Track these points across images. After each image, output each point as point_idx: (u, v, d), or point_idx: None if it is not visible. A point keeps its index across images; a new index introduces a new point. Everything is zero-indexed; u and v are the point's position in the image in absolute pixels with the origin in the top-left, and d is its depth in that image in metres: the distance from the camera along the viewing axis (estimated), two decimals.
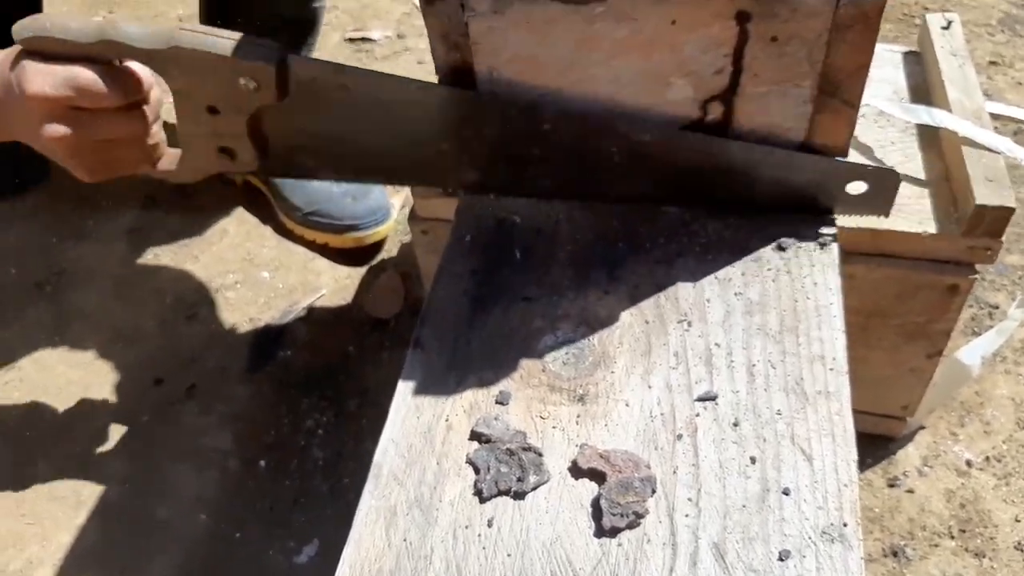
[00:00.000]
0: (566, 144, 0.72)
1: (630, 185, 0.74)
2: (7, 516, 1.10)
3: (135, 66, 0.71)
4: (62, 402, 1.21)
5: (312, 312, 1.30)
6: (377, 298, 1.30)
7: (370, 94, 0.71)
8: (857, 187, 0.70)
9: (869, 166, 0.72)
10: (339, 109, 0.73)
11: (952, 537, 0.99)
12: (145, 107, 0.73)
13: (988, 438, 1.06)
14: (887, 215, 0.73)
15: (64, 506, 1.10)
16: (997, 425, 1.07)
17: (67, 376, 1.24)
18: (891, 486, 1.03)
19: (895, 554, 0.98)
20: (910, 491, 1.03)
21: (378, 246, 1.37)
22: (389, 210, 1.35)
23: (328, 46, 1.74)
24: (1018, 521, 0.99)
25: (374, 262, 1.34)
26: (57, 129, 0.70)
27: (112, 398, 1.22)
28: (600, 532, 0.53)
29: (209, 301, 1.33)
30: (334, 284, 1.34)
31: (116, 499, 1.11)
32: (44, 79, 0.68)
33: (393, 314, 1.28)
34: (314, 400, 1.19)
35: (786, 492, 0.53)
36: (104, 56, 0.69)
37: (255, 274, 1.36)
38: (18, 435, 1.18)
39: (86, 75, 0.68)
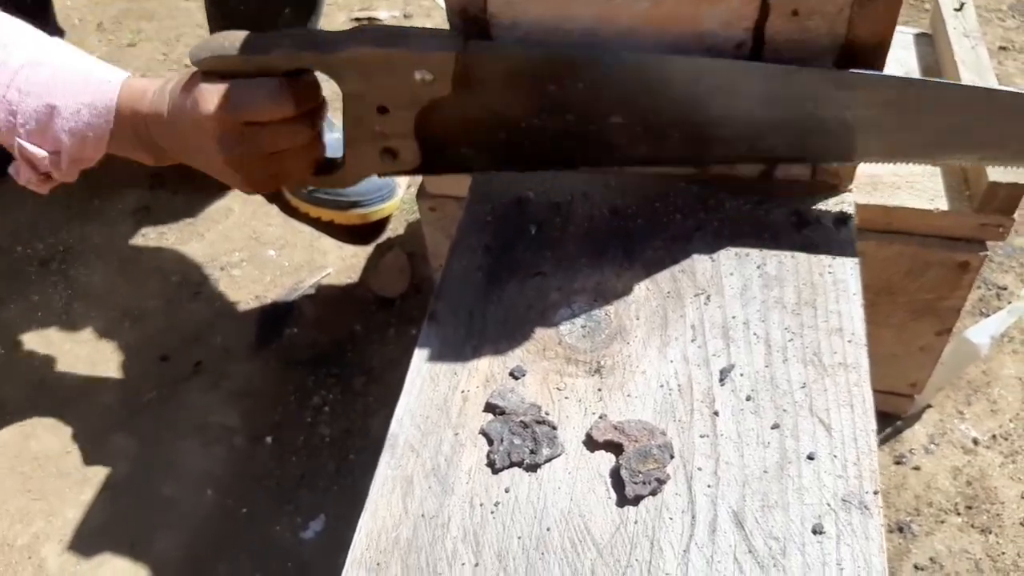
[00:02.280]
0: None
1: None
2: (14, 492, 1.10)
3: (309, 76, 0.70)
4: (68, 379, 1.21)
5: (318, 290, 1.30)
6: (383, 277, 1.30)
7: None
8: None
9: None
10: (501, 91, 0.71)
11: (958, 514, 0.99)
12: (314, 115, 0.73)
13: (995, 416, 1.07)
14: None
15: (71, 482, 1.10)
16: (1004, 404, 1.08)
17: (73, 353, 1.24)
18: (897, 463, 1.04)
19: (901, 530, 0.98)
20: (916, 468, 1.03)
21: (383, 224, 1.37)
22: (395, 188, 1.35)
23: (334, 26, 1.73)
24: (1023, 498, 0.99)
25: (380, 240, 1.34)
26: (232, 148, 0.70)
27: (118, 375, 1.21)
28: (623, 501, 0.54)
29: (215, 279, 1.33)
30: (340, 263, 1.34)
31: (123, 475, 1.11)
32: (217, 97, 0.68)
33: (399, 293, 1.28)
34: (320, 377, 1.19)
35: (811, 457, 0.54)
36: (279, 68, 0.69)
37: (261, 252, 1.36)
38: (25, 412, 1.18)
39: (260, 90, 0.68)
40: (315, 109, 0.72)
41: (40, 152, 0.76)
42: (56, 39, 0.79)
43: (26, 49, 0.75)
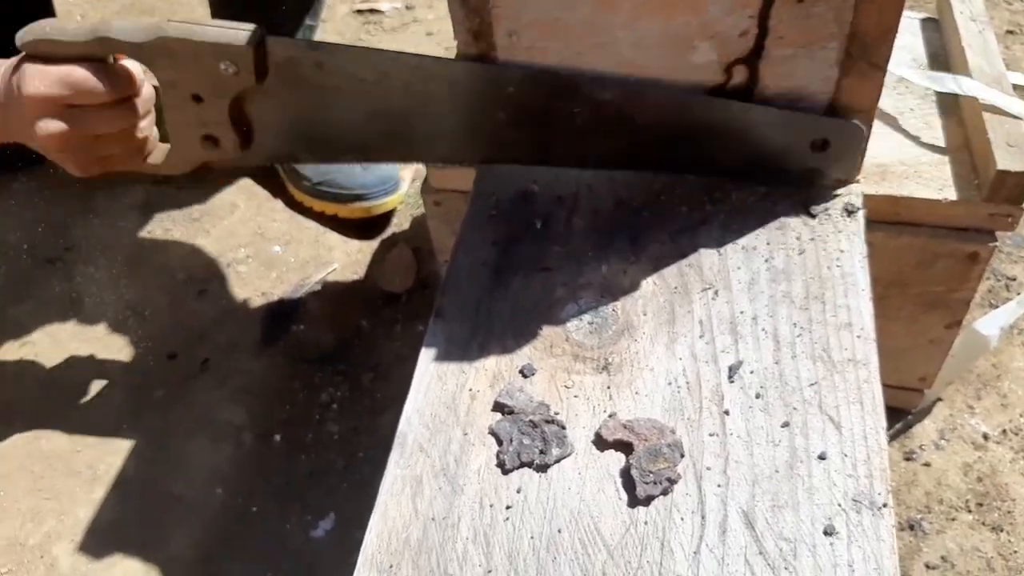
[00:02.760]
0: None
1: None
2: (25, 491, 1.10)
3: (128, 63, 0.75)
4: (76, 378, 1.21)
5: (324, 286, 1.30)
6: (389, 272, 1.29)
7: (346, 70, 0.72)
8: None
9: (832, 120, 0.69)
10: (316, 88, 0.74)
11: (969, 511, 0.98)
12: (136, 101, 0.77)
13: (1005, 411, 1.06)
14: (853, 177, 0.71)
15: (80, 481, 1.11)
16: (1014, 398, 1.07)
17: (81, 351, 1.24)
18: (907, 459, 1.03)
19: (911, 527, 0.98)
20: (927, 464, 1.03)
21: (387, 217, 1.37)
22: (398, 181, 1.35)
23: (335, 18, 1.73)
24: None
25: (385, 236, 1.33)
26: (51, 125, 0.74)
27: (126, 373, 1.22)
28: (634, 501, 0.53)
29: (221, 276, 1.32)
30: (346, 258, 1.33)
31: (132, 474, 1.11)
32: (40, 79, 0.73)
33: (405, 288, 1.28)
34: (328, 374, 1.19)
35: (822, 457, 0.53)
36: (97, 54, 0.73)
37: (266, 248, 1.35)
38: (34, 411, 1.18)
39: (79, 72, 0.73)
40: (134, 95, 0.77)
41: None
42: None
43: None
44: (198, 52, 0.70)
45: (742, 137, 0.70)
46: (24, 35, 0.74)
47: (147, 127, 0.80)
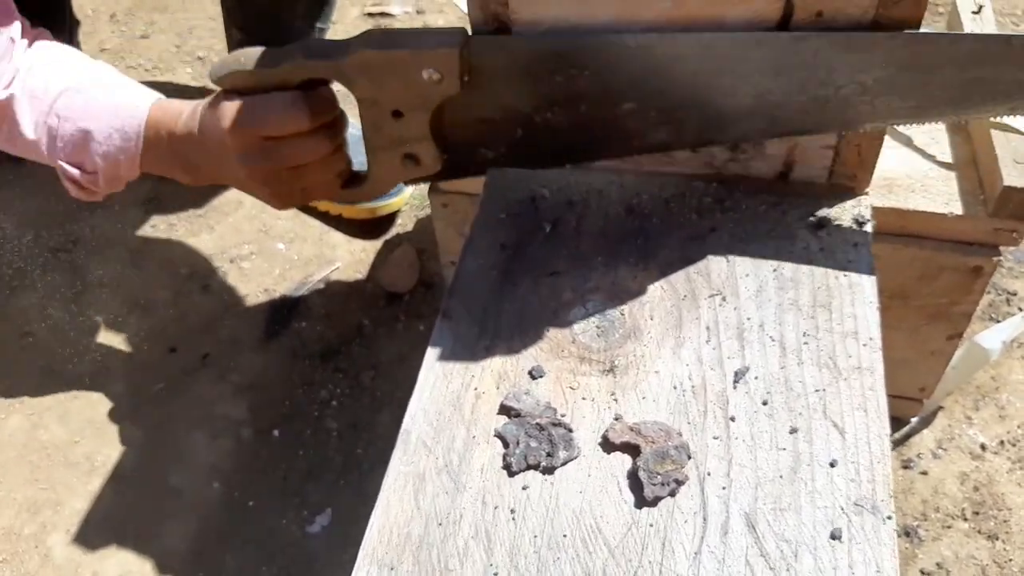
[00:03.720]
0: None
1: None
2: (22, 481, 1.10)
3: (324, 89, 0.72)
4: (77, 369, 1.22)
5: (327, 284, 1.30)
6: (392, 272, 1.30)
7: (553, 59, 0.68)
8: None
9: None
10: (511, 86, 0.70)
11: (965, 519, 0.99)
12: (336, 126, 0.74)
13: (1003, 423, 1.07)
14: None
15: (78, 472, 1.11)
16: (1012, 410, 1.07)
17: (82, 344, 1.24)
18: (905, 468, 1.04)
19: (908, 534, 0.98)
20: (924, 473, 1.03)
21: (391, 218, 1.36)
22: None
23: (346, 20, 1.73)
24: None
25: (389, 236, 1.34)
26: (252, 158, 0.72)
27: (127, 366, 1.22)
28: (642, 503, 0.54)
29: (224, 272, 1.33)
30: (349, 257, 1.34)
31: (130, 466, 1.11)
32: (237, 113, 0.70)
33: (408, 289, 1.28)
34: (328, 372, 1.19)
35: (832, 464, 0.53)
36: (293, 80, 0.70)
37: (270, 245, 1.36)
38: (33, 401, 1.18)
39: (278, 103, 0.70)
40: (333, 122, 0.74)
41: (79, 173, 0.81)
42: (96, 61, 0.83)
43: (64, 75, 0.80)
44: (400, 62, 0.67)
45: None
46: (218, 69, 0.72)
47: (344, 154, 0.78)
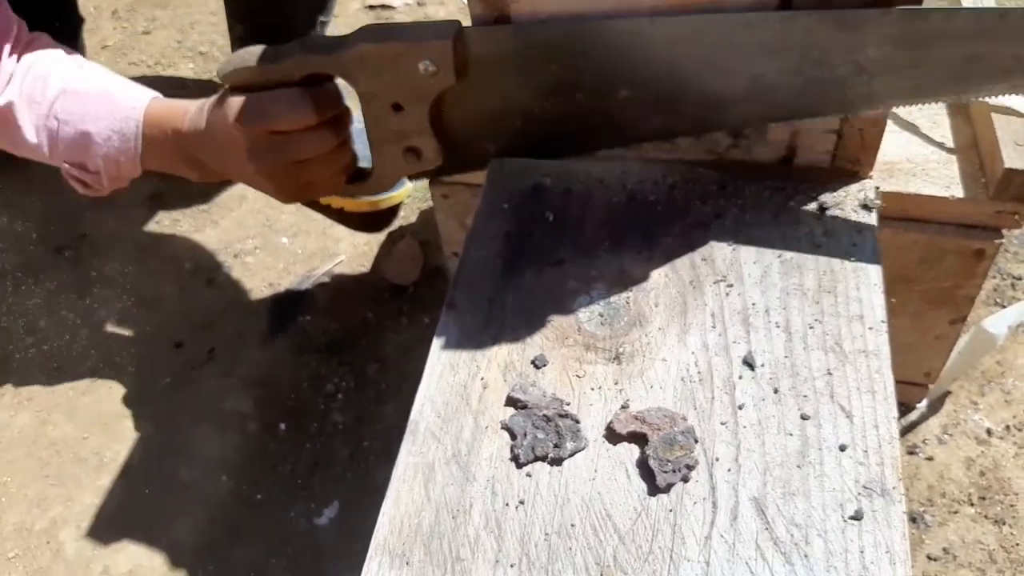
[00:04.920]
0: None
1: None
2: (32, 477, 1.10)
3: (329, 84, 0.73)
4: (84, 365, 1.22)
5: (331, 278, 1.30)
6: (396, 265, 1.30)
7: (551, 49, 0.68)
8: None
9: None
10: (511, 77, 0.71)
11: (971, 504, 0.99)
12: (341, 120, 0.76)
13: (1009, 407, 1.07)
14: None
15: (87, 468, 1.11)
16: (1018, 395, 1.07)
17: (89, 340, 1.25)
18: (911, 453, 1.04)
19: (914, 520, 0.98)
20: (929, 458, 1.03)
21: (394, 211, 1.36)
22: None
23: (347, 13, 1.73)
24: None
25: (392, 228, 1.34)
26: (258, 154, 0.73)
27: (133, 362, 1.22)
28: (655, 491, 0.54)
29: (228, 266, 1.33)
30: (353, 250, 1.34)
31: (139, 461, 1.12)
32: (243, 109, 0.72)
33: (411, 281, 1.28)
34: (333, 365, 1.19)
35: (842, 448, 0.54)
36: (295, 76, 0.71)
37: (274, 240, 1.36)
38: (41, 397, 1.19)
39: (283, 98, 0.71)
40: (338, 117, 0.75)
41: (80, 173, 0.83)
42: (90, 63, 0.85)
43: (60, 78, 0.81)
44: (396, 55, 0.68)
45: None
46: (225, 67, 0.73)
47: (349, 149, 0.79)
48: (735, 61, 0.66)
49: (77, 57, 0.84)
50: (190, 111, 0.78)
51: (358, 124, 0.78)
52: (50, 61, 0.83)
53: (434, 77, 0.69)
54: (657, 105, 0.71)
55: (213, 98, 0.75)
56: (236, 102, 0.72)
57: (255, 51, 0.72)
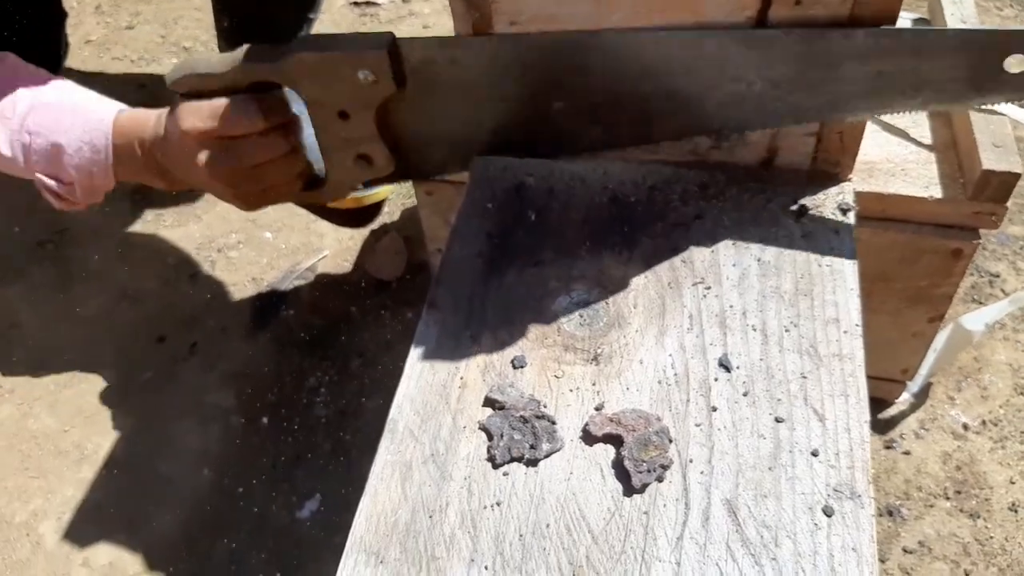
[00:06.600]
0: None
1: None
2: (12, 470, 1.10)
3: (277, 91, 0.75)
4: (65, 359, 1.22)
5: (315, 273, 1.30)
6: (379, 260, 1.30)
7: (484, 62, 0.70)
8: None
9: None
10: (454, 88, 0.72)
11: (947, 498, 1.00)
12: (289, 127, 0.77)
13: (985, 403, 1.08)
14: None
15: (68, 461, 1.11)
16: (994, 390, 1.09)
17: (70, 334, 1.25)
18: (888, 448, 1.05)
19: (890, 513, 1.00)
20: (906, 453, 1.04)
21: (377, 207, 1.36)
22: None
23: (332, 10, 1.73)
24: (1013, 483, 1.01)
25: (376, 225, 1.34)
26: (210, 159, 0.74)
27: (115, 356, 1.22)
28: (630, 491, 0.54)
29: (212, 261, 1.33)
30: (337, 246, 1.34)
31: (120, 454, 1.12)
32: (194, 115, 0.73)
33: (395, 276, 1.28)
34: (316, 359, 1.20)
35: (814, 453, 0.54)
36: (243, 82, 0.73)
37: (258, 234, 1.36)
38: (23, 391, 1.19)
39: (229, 104, 0.72)
40: (288, 123, 0.77)
41: (56, 185, 0.84)
42: (57, 78, 0.85)
43: (29, 94, 0.82)
44: (335, 64, 0.70)
45: None
46: (173, 74, 0.74)
47: (303, 157, 0.80)
48: (658, 76, 0.68)
49: (43, 72, 0.85)
50: (151, 120, 0.80)
51: (312, 134, 0.80)
52: (18, 79, 0.84)
53: (374, 86, 0.70)
54: (591, 118, 0.73)
55: (171, 106, 0.77)
56: (185, 107, 0.74)
57: (201, 58, 0.74)
